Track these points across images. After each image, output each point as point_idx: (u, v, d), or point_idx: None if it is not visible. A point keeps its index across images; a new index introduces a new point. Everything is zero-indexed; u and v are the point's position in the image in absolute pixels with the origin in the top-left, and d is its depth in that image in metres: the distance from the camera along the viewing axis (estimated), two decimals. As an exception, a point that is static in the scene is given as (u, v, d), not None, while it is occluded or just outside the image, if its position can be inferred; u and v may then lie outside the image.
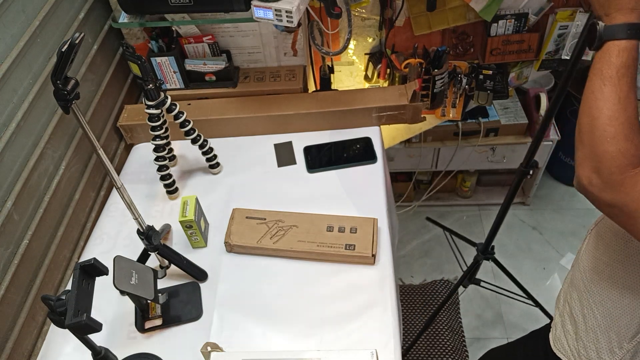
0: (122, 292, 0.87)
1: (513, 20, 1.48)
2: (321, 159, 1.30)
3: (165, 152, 1.20)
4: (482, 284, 1.80)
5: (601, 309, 0.89)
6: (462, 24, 1.53)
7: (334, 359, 0.86)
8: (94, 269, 0.81)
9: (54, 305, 0.77)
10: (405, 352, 1.90)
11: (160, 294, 1.03)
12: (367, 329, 0.97)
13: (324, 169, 1.28)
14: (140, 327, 1.01)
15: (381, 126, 1.38)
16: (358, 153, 1.30)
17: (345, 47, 1.35)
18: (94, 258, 0.80)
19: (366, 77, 1.69)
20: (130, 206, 0.94)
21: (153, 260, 1.09)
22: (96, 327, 0.76)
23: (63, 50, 0.71)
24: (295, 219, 1.12)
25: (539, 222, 2.34)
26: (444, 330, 1.97)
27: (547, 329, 1.08)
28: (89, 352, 0.85)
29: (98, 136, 1.29)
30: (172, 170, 1.25)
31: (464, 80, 1.63)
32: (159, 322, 1.01)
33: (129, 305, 1.02)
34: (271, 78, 1.44)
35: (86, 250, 1.17)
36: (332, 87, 1.55)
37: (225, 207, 1.18)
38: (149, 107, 1.10)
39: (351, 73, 1.70)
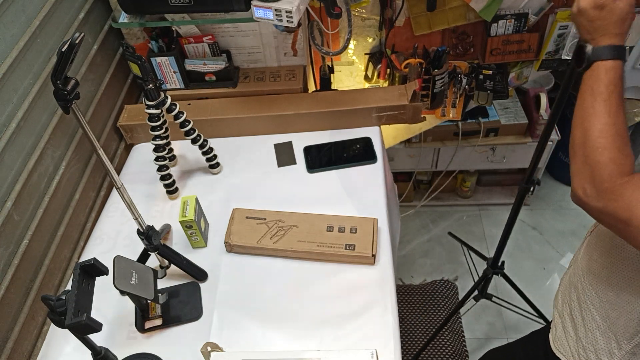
0: (122, 292, 0.87)
1: (513, 20, 1.48)
2: (321, 159, 1.30)
3: (165, 152, 1.20)
4: (494, 299, 1.79)
5: (600, 310, 0.89)
6: (462, 24, 1.53)
7: (334, 359, 0.86)
8: (94, 269, 0.81)
9: (54, 305, 0.77)
10: None
11: (160, 294, 1.03)
12: (367, 329, 0.97)
13: (324, 169, 1.28)
14: (140, 327, 1.01)
15: (381, 126, 1.38)
16: (358, 153, 1.30)
17: (345, 47, 1.35)
18: (94, 258, 0.80)
19: (366, 77, 1.69)
20: (130, 206, 0.94)
21: (153, 260, 1.09)
22: (96, 327, 0.76)
23: (63, 50, 0.71)
24: (295, 219, 1.12)
25: (539, 222, 2.34)
26: (444, 331, 1.97)
27: (546, 329, 1.08)
28: (89, 352, 0.85)
29: (98, 136, 1.29)
30: (172, 170, 1.25)
31: (464, 80, 1.63)
32: (159, 322, 1.01)
33: (129, 305, 1.02)
34: (271, 78, 1.44)
35: (86, 250, 1.17)
36: (332, 87, 1.55)
37: (225, 207, 1.18)
38: (149, 107, 1.10)
39: (351, 73, 1.70)
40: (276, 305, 1.03)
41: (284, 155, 1.33)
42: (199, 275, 1.08)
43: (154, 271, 0.96)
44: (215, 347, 0.89)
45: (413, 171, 2.20)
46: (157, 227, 1.04)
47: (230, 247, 1.11)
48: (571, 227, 2.30)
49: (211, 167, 1.29)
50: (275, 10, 1.05)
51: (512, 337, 1.98)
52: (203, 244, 1.14)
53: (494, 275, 1.68)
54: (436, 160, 2.10)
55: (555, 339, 1.02)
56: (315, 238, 1.08)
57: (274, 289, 1.06)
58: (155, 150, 1.18)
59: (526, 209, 2.38)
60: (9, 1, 0.99)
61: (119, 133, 1.39)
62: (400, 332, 0.99)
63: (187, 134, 1.20)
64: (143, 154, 1.38)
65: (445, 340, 1.94)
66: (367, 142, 1.33)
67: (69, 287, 0.87)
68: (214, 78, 1.41)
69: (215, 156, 1.28)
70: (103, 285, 0.85)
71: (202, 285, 1.08)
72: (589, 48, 0.76)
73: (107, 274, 0.83)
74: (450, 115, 1.70)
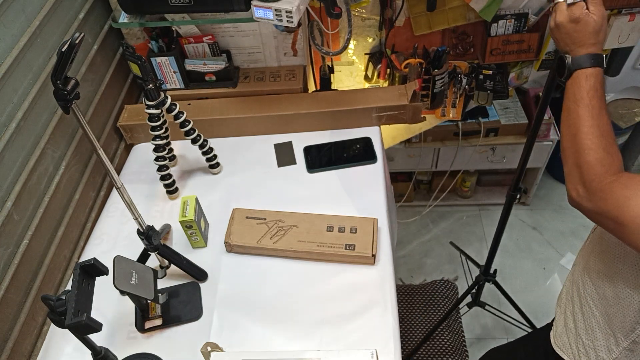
0: (122, 292, 0.87)
1: (513, 20, 1.48)
2: (321, 159, 1.30)
3: (165, 152, 1.20)
4: (487, 307, 1.84)
5: (599, 307, 0.90)
6: (462, 24, 1.53)
7: (334, 359, 0.86)
8: (94, 269, 0.81)
9: (54, 305, 0.77)
10: (408, 356, 1.90)
11: (160, 294, 1.03)
12: (367, 329, 0.97)
13: (324, 169, 1.28)
14: (140, 327, 1.01)
15: (381, 126, 1.38)
16: (358, 153, 1.30)
17: (345, 47, 1.35)
18: (94, 258, 0.80)
19: (366, 77, 1.69)
20: (130, 206, 0.94)
21: (153, 260, 1.09)
22: (96, 327, 0.76)
23: (63, 50, 0.71)
24: (295, 219, 1.12)
25: (539, 222, 2.34)
26: (444, 330, 1.97)
27: (547, 328, 1.08)
28: (89, 352, 0.85)
29: (98, 136, 1.29)
30: (172, 170, 1.25)
31: (464, 80, 1.63)
32: (159, 322, 1.01)
33: (129, 305, 1.02)
34: (271, 78, 1.44)
35: (86, 250, 1.17)
36: (332, 87, 1.55)
37: (225, 207, 1.18)
38: (149, 107, 1.10)
39: (351, 73, 1.70)
40: (276, 305, 1.03)
41: (284, 155, 1.33)
42: (199, 275, 1.08)
43: (154, 271, 0.96)
44: (215, 347, 0.89)
45: (413, 171, 2.20)
46: (157, 227, 1.04)
47: (230, 247, 1.11)
48: (571, 227, 2.30)
49: (211, 167, 1.29)
50: (275, 10, 1.05)
51: (512, 337, 1.98)
52: (203, 244, 1.14)
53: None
54: (436, 160, 2.10)
55: (556, 335, 1.02)
56: (315, 238, 1.08)
57: (274, 289, 1.06)
58: (155, 150, 1.18)
59: (526, 209, 2.39)
60: (9, 1, 0.99)
61: (119, 133, 1.39)
62: (400, 332, 0.99)
63: (187, 134, 1.20)
64: (143, 154, 1.38)
65: (445, 340, 1.94)
66: (367, 142, 1.33)
67: (69, 287, 0.87)
68: (214, 78, 1.41)
69: (215, 156, 1.28)
70: (103, 285, 0.85)
71: (202, 285, 1.08)
72: (568, 59, 0.82)
73: (107, 274, 0.83)
74: (450, 115, 1.70)
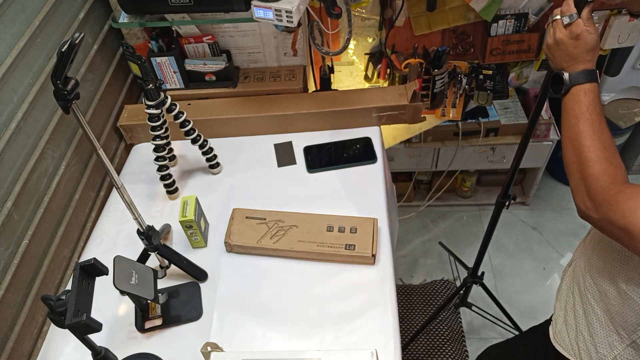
0: (122, 292, 0.87)
1: (513, 20, 1.48)
2: (321, 159, 1.30)
3: (165, 152, 1.20)
4: (473, 308, 1.87)
5: (600, 304, 0.90)
6: (462, 24, 1.53)
7: (334, 359, 0.86)
8: (94, 269, 0.81)
9: (54, 305, 0.77)
10: (403, 348, 1.90)
11: (160, 294, 1.03)
12: (367, 329, 0.97)
13: (324, 169, 1.28)
14: (140, 327, 1.01)
15: (381, 126, 1.38)
16: (358, 153, 1.30)
17: (345, 47, 1.35)
18: (94, 258, 0.80)
19: (366, 77, 1.69)
20: (130, 206, 0.94)
21: (153, 260, 1.09)
22: (96, 327, 0.76)
23: (63, 50, 0.71)
24: (295, 219, 1.12)
25: (539, 222, 2.34)
26: (443, 330, 1.97)
27: (546, 325, 1.08)
28: (89, 352, 0.85)
29: (98, 136, 1.29)
30: (172, 170, 1.25)
31: (464, 80, 1.63)
32: (159, 322, 1.01)
33: (129, 305, 1.03)
34: (271, 78, 1.44)
35: (86, 250, 1.17)
36: (332, 87, 1.55)
37: (225, 207, 1.18)
38: (149, 107, 1.10)
39: (351, 73, 1.70)
40: (276, 305, 1.03)
41: (284, 155, 1.33)
42: (199, 275, 1.08)
43: (154, 271, 0.96)
44: (215, 347, 0.89)
45: (413, 171, 2.20)
46: (157, 227, 1.04)
47: (230, 247, 1.11)
48: (571, 227, 2.30)
49: (211, 167, 1.29)
50: (275, 10, 1.05)
51: (511, 336, 1.98)
52: (203, 244, 1.14)
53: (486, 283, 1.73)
54: (436, 160, 2.10)
55: (556, 332, 1.02)
56: (315, 238, 1.08)
57: (274, 289, 1.06)
58: (155, 150, 1.18)
59: (526, 209, 2.39)
60: (9, 1, 0.99)
61: (119, 133, 1.39)
62: (400, 332, 0.99)
63: (187, 134, 1.20)
64: (143, 154, 1.38)
65: (445, 339, 1.94)
66: (367, 142, 1.33)
67: (69, 287, 0.87)
68: (214, 78, 1.41)
69: (215, 156, 1.28)
70: (103, 285, 0.85)
71: (202, 285, 1.08)
72: (566, 75, 0.85)
73: (107, 274, 0.82)
74: (450, 115, 1.70)
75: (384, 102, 1.34)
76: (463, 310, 2.04)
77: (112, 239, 1.18)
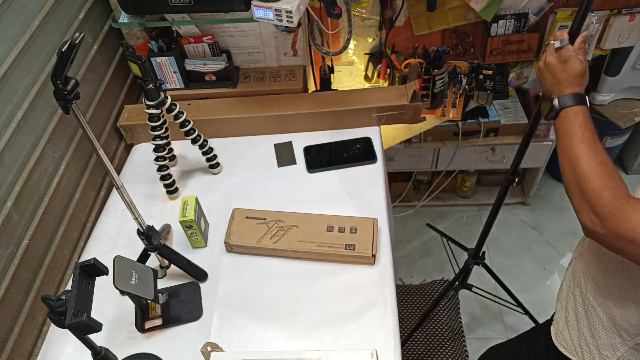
0: (122, 292, 0.87)
1: (513, 20, 1.48)
2: (321, 159, 1.30)
3: (165, 152, 1.20)
4: (474, 289, 1.83)
5: (603, 307, 0.89)
6: (462, 24, 1.53)
7: (334, 359, 0.86)
8: (94, 269, 0.81)
9: (54, 305, 0.77)
10: (402, 344, 1.89)
11: (160, 294, 1.03)
12: (367, 329, 0.97)
13: (324, 169, 1.28)
14: (140, 327, 1.01)
15: (381, 126, 1.38)
16: (358, 153, 1.30)
17: (345, 47, 1.35)
18: (94, 258, 0.80)
19: (366, 77, 1.69)
20: (130, 206, 0.94)
21: (153, 260, 1.09)
22: (96, 327, 0.76)
23: (63, 50, 0.71)
24: (295, 219, 1.12)
25: (539, 222, 2.34)
26: (443, 330, 1.97)
27: (547, 325, 1.08)
28: (89, 352, 0.85)
29: (98, 136, 1.29)
30: (172, 170, 1.25)
31: (464, 80, 1.63)
32: (159, 322, 1.01)
33: (129, 305, 1.02)
34: (271, 78, 1.44)
35: (86, 250, 1.17)
36: (332, 87, 1.55)
37: (225, 207, 1.18)
38: (149, 107, 1.10)
39: (351, 73, 1.70)
40: (276, 305, 1.03)
41: (284, 155, 1.33)
42: (199, 275, 1.08)
43: (154, 271, 0.96)
44: (215, 347, 0.89)
45: (413, 171, 2.20)
46: (157, 227, 1.05)
47: (230, 247, 1.11)
48: (571, 227, 2.30)
49: (211, 167, 1.29)
50: (275, 10, 1.05)
51: (511, 336, 1.98)
52: (203, 244, 1.14)
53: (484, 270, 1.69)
54: (436, 160, 2.10)
55: (558, 332, 1.02)
56: (315, 238, 1.08)
57: (274, 289, 1.06)
58: (155, 150, 1.18)
59: (526, 209, 2.39)
60: (9, 1, 0.99)
61: (119, 133, 1.39)
62: (400, 332, 0.99)
63: (187, 134, 1.20)
64: (143, 154, 1.38)
65: (445, 340, 1.94)
66: (367, 142, 1.33)
67: (69, 287, 0.87)
68: (214, 78, 1.41)
69: (215, 156, 1.28)
70: (103, 285, 0.85)
71: (202, 285, 1.08)
72: (555, 100, 0.88)
73: (107, 274, 0.83)
74: (450, 115, 1.70)
75: (384, 102, 1.34)
76: (463, 310, 2.04)
77: (112, 239, 1.18)
